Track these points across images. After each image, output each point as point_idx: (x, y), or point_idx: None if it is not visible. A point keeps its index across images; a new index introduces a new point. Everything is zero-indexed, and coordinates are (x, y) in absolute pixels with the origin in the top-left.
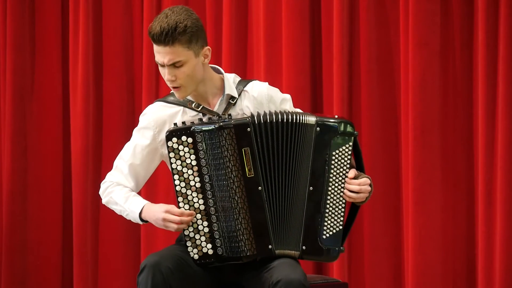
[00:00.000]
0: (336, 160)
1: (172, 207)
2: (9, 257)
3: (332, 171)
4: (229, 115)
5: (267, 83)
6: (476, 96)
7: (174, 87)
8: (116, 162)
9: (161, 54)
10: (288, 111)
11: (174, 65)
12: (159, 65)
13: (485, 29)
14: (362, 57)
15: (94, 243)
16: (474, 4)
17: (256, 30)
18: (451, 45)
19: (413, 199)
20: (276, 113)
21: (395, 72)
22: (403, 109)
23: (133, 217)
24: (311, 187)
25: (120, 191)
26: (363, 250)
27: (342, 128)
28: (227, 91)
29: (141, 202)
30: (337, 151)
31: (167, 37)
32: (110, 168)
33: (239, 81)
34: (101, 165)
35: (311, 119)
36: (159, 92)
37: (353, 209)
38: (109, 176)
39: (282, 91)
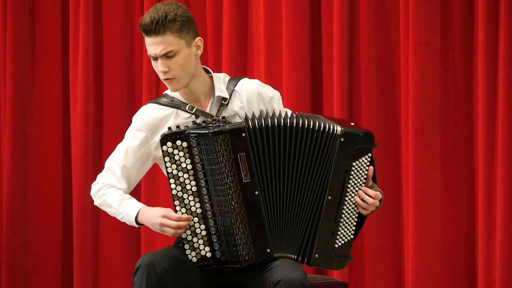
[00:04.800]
0: (355, 171)
1: (170, 212)
2: (9, 257)
3: (350, 181)
4: (223, 117)
5: (257, 80)
6: (476, 96)
7: (166, 79)
8: (108, 164)
9: (152, 45)
10: (306, 115)
11: (167, 56)
12: (151, 59)
13: (485, 29)
14: (362, 57)
15: (94, 243)
16: (474, 4)
17: (256, 30)
18: (451, 45)
19: (413, 199)
20: (270, 116)
21: (395, 72)
22: (403, 109)
23: (128, 220)
24: (329, 197)
25: (114, 193)
26: (363, 250)
27: (365, 139)
28: (217, 93)
29: (137, 205)
30: (357, 162)
31: (157, 26)
32: None
33: (229, 80)
34: (101, 165)
35: (334, 127)
36: (159, 93)
37: (360, 218)
38: (101, 178)
39: (282, 92)
